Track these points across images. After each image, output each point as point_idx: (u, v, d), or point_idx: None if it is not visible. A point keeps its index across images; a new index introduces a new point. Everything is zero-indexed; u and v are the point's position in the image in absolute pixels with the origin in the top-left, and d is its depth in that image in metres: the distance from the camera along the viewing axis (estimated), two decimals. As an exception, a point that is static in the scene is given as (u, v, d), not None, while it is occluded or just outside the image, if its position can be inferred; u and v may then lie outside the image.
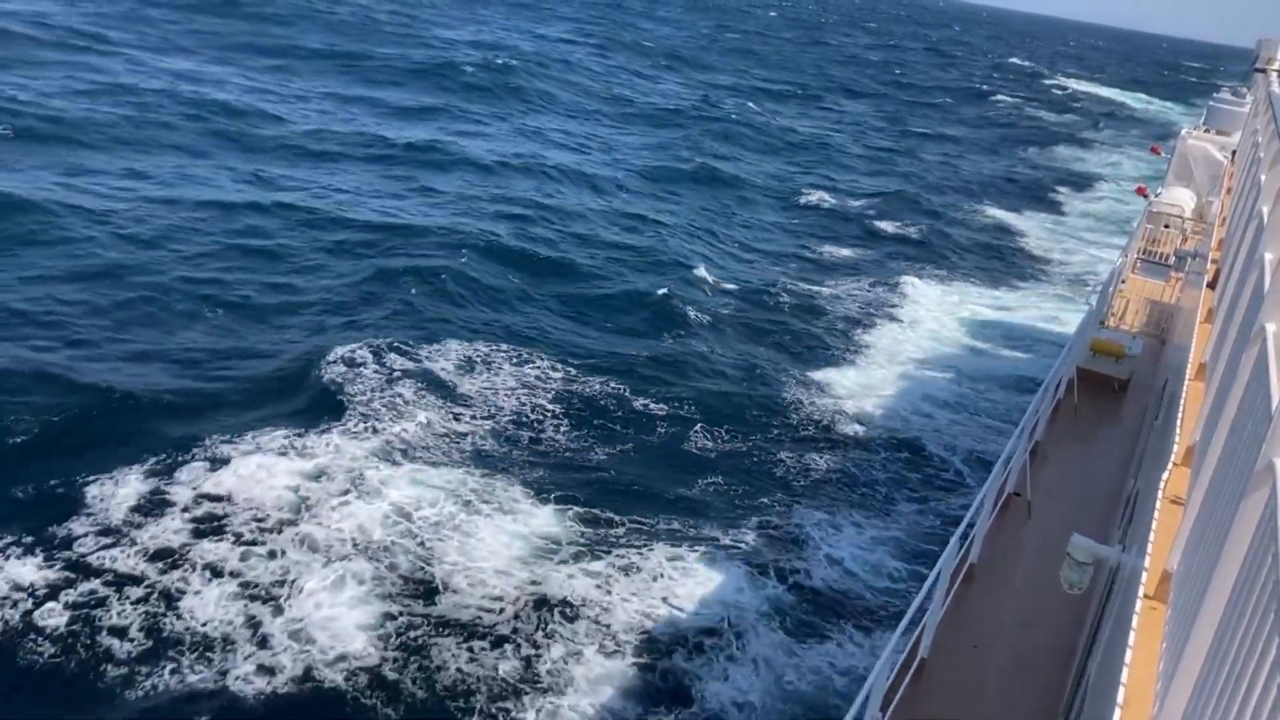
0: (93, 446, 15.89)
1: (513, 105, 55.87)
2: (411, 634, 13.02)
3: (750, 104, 71.72)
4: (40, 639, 12.15)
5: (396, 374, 19.75)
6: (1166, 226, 24.65)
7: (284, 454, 16.22)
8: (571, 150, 46.51)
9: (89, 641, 12.27)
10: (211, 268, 24.74)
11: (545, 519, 15.83)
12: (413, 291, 24.15)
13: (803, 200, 44.10)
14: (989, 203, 51.27)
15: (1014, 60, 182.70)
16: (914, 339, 27.42)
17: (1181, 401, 9.33)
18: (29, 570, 13.24)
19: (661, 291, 27.18)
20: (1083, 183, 62.97)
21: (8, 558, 13.41)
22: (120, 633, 12.49)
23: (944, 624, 9.82)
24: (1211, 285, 14.04)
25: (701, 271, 30.39)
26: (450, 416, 18.49)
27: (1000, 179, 59.45)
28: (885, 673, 7.28)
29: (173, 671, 11.95)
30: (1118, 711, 4.89)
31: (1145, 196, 29.51)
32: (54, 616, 12.50)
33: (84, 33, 51.93)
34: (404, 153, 39.95)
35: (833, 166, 54.21)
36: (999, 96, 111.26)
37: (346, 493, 15.45)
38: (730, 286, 29.82)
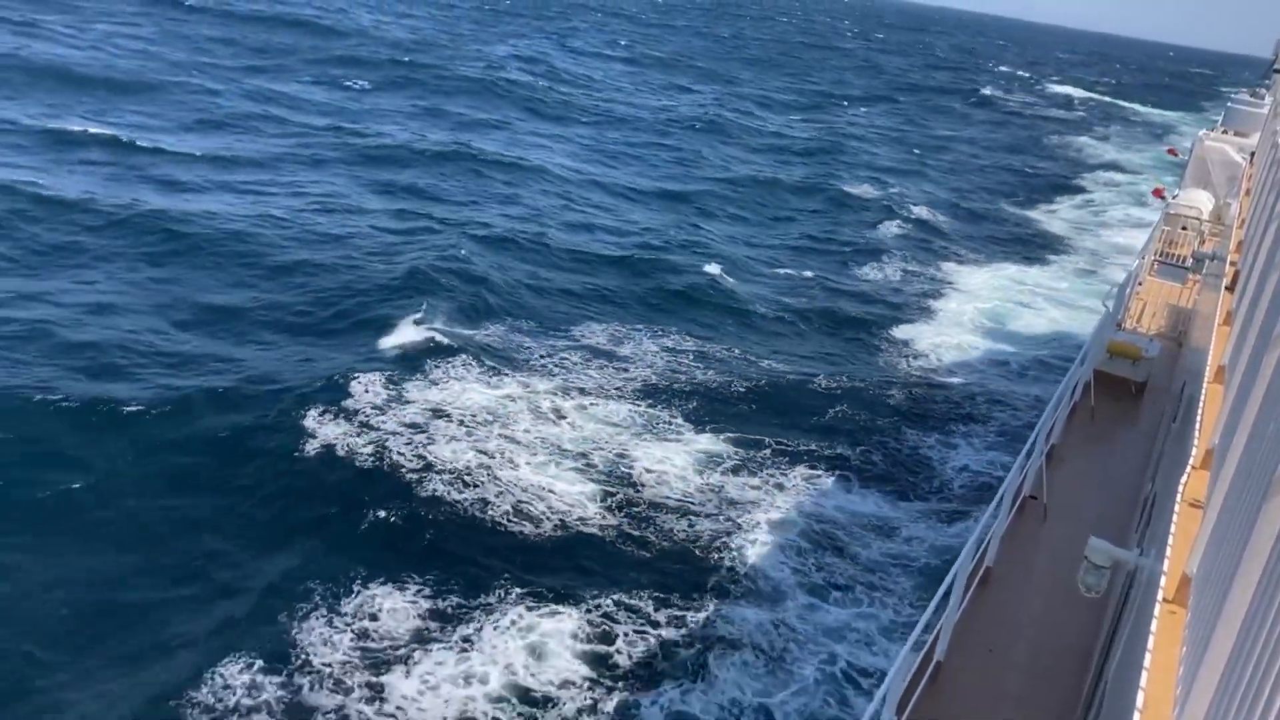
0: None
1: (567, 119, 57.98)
2: (616, 505, 16.88)
3: (778, 113, 75.43)
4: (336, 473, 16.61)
5: (559, 344, 23.92)
6: (1184, 228, 24.44)
7: (485, 384, 20.71)
8: (635, 160, 50.19)
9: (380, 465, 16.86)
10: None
11: (705, 442, 19.60)
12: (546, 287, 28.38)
13: (849, 194, 47.94)
14: (1011, 193, 55.99)
15: (1020, 70, 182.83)
16: (968, 307, 32.31)
17: (1200, 404, 9.25)
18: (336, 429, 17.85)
19: (729, 278, 31.44)
20: (1095, 172, 67.65)
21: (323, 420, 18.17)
22: (397, 466, 16.96)
23: (960, 627, 9.75)
24: (1230, 288, 13.92)
25: (780, 259, 35.57)
26: (612, 371, 22.62)
27: (1019, 173, 63.71)
28: (901, 676, 7.23)
29: (434, 495, 16.29)
30: (1136, 716, 4.83)
31: (1162, 198, 29.24)
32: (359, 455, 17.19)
33: (184, 64, 52.32)
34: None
35: (867, 165, 57.55)
36: (1008, 99, 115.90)
37: (540, 411, 19.80)
38: (807, 274, 34.15)
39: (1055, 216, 50.61)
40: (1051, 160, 71.46)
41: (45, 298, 22.44)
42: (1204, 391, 9.59)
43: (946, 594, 8.55)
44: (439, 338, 22.44)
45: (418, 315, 23.53)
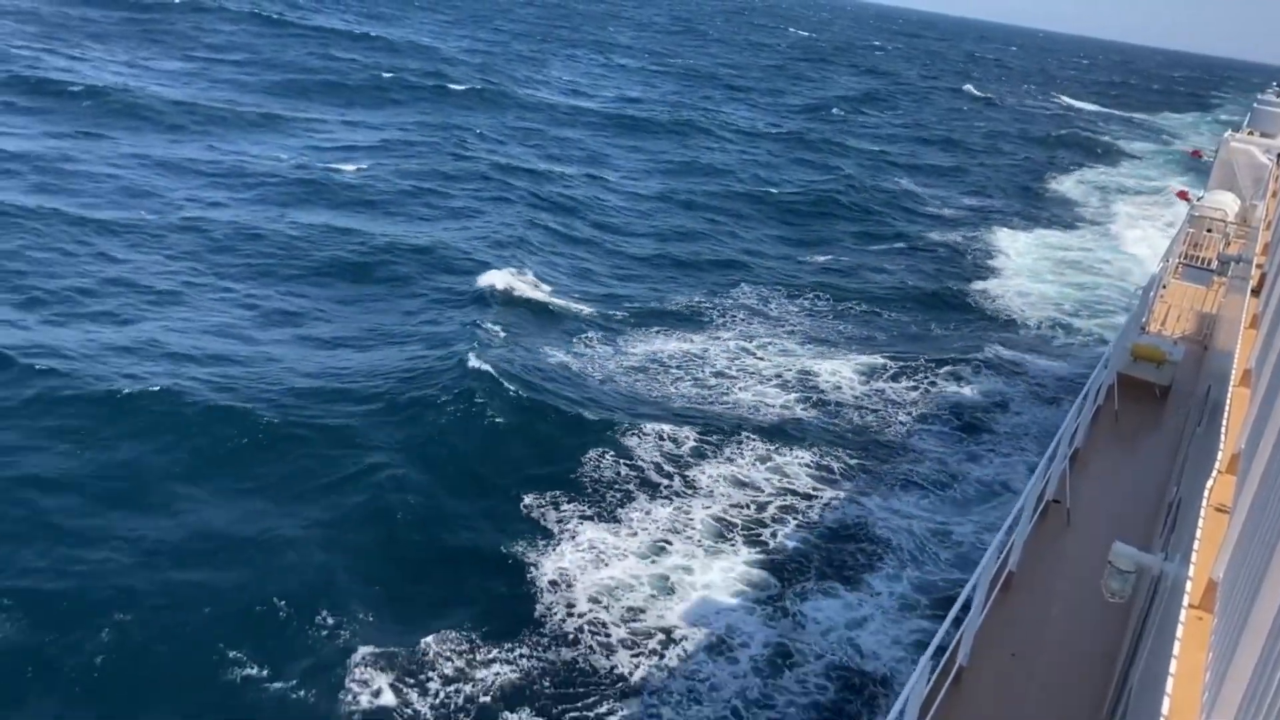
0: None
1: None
2: (813, 403, 22.55)
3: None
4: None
5: (721, 303, 29.46)
6: (1209, 231, 24.16)
7: (682, 340, 25.85)
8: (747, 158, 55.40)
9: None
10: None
11: (870, 359, 25.74)
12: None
13: (906, 177, 55.77)
14: (1040, 172, 64.32)
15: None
16: (1023, 263, 39.41)
17: (1226, 408, 9.18)
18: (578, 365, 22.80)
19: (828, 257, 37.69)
20: (1113, 158, 76.98)
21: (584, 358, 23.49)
22: (641, 392, 21.93)
23: (982, 632, 9.68)
24: (1256, 291, 13.86)
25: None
26: (771, 323, 28.09)
27: (1045, 159, 71.84)
28: (923, 680, 7.18)
29: (685, 409, 21.01)
30: None
31: (1187, 200, 29.22)
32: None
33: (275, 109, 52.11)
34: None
35: (910, 155, 64.34)
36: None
37: (731, 352, 25.25)
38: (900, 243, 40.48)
39: (1078, 183, 61.39)
40: (1071, 147, 78.93)
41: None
42: (1230, 395, 9.50)
43: (969, 599, 8.49)
44: (641, 311, 27.74)
45: (640, 305, 28.48)
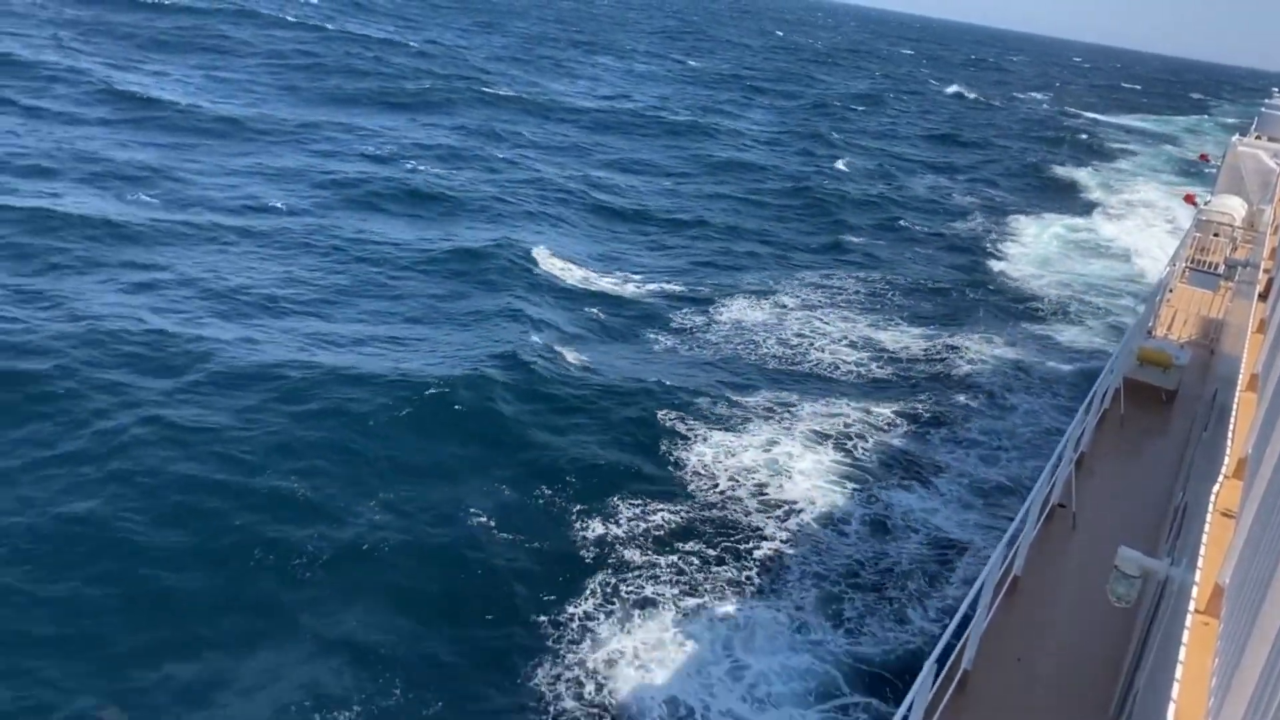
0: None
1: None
2: (879, 361, 26.41)
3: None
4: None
5: (777, 283, 32.90)
6: (1216, 235, 24.09)
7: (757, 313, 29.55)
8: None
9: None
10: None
11: (915, 330, 29.58)
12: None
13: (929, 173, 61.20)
14: (1043, 165, 69.47)
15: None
16: (1035, 241, 44.93)
17: (1233, 413, 9.19)
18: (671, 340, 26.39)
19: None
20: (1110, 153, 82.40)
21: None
22: (736, 351, 25.96)
23: (987, 636, 9.63)
24: (1264, 295, 13.76)
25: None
26: (824, 298, 31.82)
27: (1048, 154, 76.58)
28: (928, 684, 7.17)
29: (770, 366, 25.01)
30: None
31: (1194, 204, 28.78)
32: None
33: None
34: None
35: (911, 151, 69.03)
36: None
37: (801, 319, 29.21)
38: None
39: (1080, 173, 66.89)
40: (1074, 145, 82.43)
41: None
42: (1236, 400, 9.52)
43: (974, 603, 8.51)
44: (715, 292, 30.98)
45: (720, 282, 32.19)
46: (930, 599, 15.50)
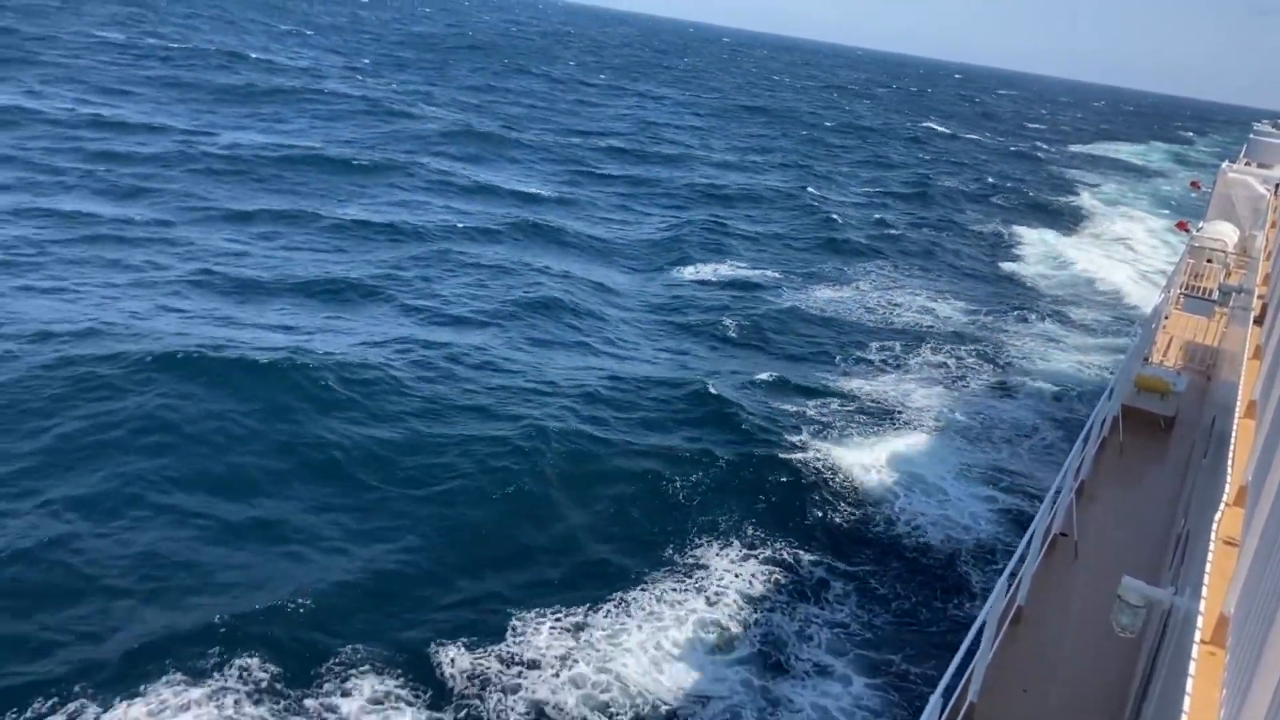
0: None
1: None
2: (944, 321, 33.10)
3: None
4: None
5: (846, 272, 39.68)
6: (1209, 261, 24.17)
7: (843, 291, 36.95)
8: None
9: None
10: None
11: (961, 304, 35.90)
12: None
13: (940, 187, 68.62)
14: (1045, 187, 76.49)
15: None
16: (1044, 247, 51.09)
17: (1232, 440, 9.15)
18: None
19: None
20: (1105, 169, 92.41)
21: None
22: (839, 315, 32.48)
23: (993, 668, 9.48)
24: (1259, 320, 13.74)
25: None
26: (884, 281, 38.47)
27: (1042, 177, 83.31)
28: (934, 717, 7.04)
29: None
30: None
31: (1186, 231, 28.85)
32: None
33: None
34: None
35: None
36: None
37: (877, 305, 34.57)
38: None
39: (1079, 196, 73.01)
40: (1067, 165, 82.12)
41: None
42: (1235, 427, 9.46)
43: (978, 634, 8.33)
44: (803, 280, 36.68)
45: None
46: (931, 630, 15.45)
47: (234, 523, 15.28)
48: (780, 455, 20.08)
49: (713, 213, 47.43)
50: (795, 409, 23.14)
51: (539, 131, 66.87)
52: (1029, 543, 10.09)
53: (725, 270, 37.04)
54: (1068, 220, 61.39)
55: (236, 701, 11.59)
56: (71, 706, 11.19)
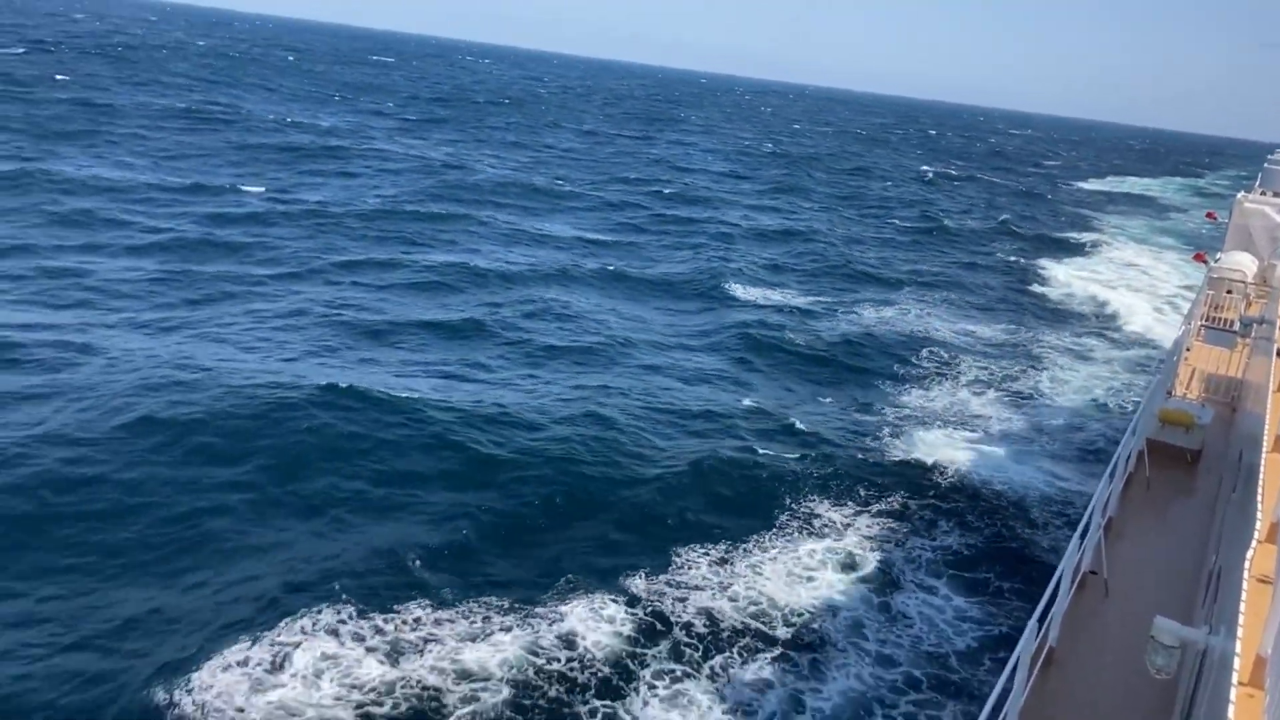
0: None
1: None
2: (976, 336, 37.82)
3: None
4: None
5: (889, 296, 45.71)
6: (1229, 292, 24.08)
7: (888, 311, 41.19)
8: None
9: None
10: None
11: (991, 324, 40.16)
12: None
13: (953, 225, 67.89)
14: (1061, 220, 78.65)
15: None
16: (1069, 275, 54.51)
17: (1261, 474, 9.08)
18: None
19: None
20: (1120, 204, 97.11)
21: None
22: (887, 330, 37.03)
23: (1026, 710, 9.21)
24: None
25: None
26: (920, 303, 43.47)
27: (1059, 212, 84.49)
28: None
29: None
30: None
31: (1204, 262, 28.81)
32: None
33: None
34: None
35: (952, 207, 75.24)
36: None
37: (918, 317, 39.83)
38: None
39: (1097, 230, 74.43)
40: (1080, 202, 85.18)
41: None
42: (1264, 461, 9.45)
43: (1010, 676, 8.30)
44: (848, 303, 41.14)
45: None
46: (1009, 567, 18.67)
47: (462, 510, 18.66)
48: (867, 444, 23.99)
49: (755, 249, 51.38)
50: (873, 410, 27.03)
51: (587, 182, 70.59)
52: (1058, 582, 9.97)
53: (776, 297, 40.77)
54: (1084, 252, 63.96)
55: (497, 610, 15.44)
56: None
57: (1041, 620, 9.47)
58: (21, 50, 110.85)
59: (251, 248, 38.61)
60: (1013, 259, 58.42)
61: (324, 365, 25.94)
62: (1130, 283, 53.72)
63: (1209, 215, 62.86)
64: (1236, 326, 21.36)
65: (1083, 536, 11.09)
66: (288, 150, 66.74)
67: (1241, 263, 25.66)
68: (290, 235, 41.65)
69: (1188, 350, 21.86)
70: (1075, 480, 23.07)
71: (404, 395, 23.31)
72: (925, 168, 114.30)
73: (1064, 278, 53.70)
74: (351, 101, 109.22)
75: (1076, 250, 64.71)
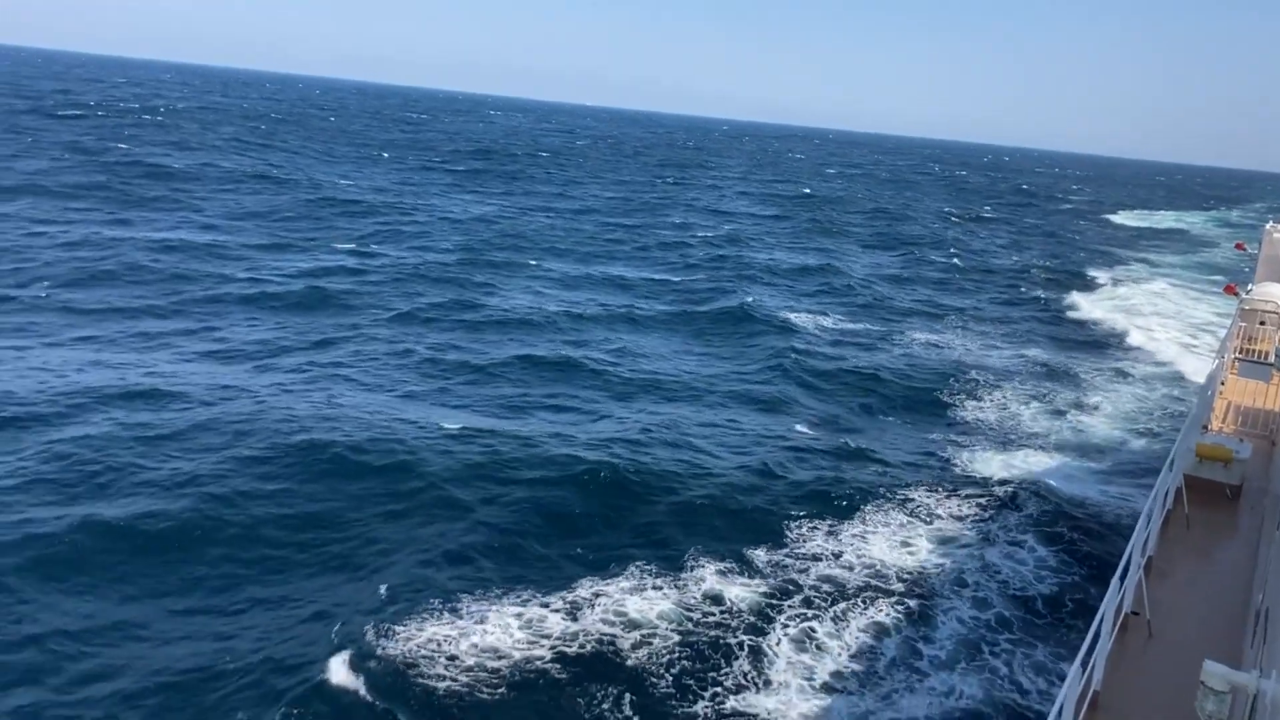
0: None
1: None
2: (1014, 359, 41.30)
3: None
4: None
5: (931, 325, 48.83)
6: (1262, 323, 23.91)
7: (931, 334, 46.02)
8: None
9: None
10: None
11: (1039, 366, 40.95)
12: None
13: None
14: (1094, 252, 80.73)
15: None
16: (1099, 307, 56.34)
17: None
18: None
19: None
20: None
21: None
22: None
23: None
24: None
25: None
26: (960, 332, 47.09)
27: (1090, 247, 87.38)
28: None
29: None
30: None
31: (1235, 294, 28.82)
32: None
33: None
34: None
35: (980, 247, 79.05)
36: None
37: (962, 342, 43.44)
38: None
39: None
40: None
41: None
42: None
43: None
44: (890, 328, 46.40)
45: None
46: (1082, 537, 21.56)
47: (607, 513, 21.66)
48: (931, 451, 27.38)
49: (800, 284, 55.28)
50: (928, 425, 30.27)
51: (633, 227, 74.17)
52: (1100, 624, 9.84)
53: (830, 324, 44.65)
54: (1113, 285, 65.75)
55: (650, 577, 18.70)
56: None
57: (1085, 663, 9.25)
58: (77, 113, 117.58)
59: (348, 296, 42.06)
60: (1044, 293, 60.67)
61: (442, 394, 29.48)
62: (1160, 312, 55.60)
63: (1238, 246, 63.75)
64: (1271, 358, 21.37)
65: (1123, 577, 10.87)
66: (352, 205, 70.71)
67: (1273, 294, 25.54)
68: (379, 284, 45.16)
69: (1222, 384, 21.46)
70: (1123, 489, 25.62)
71: (525, 430, 26.28)
72: (950, 208, 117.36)
73: (1095, 310, 55.17)
74: (400, 160, 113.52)
75: (1107, 283, 66.85)
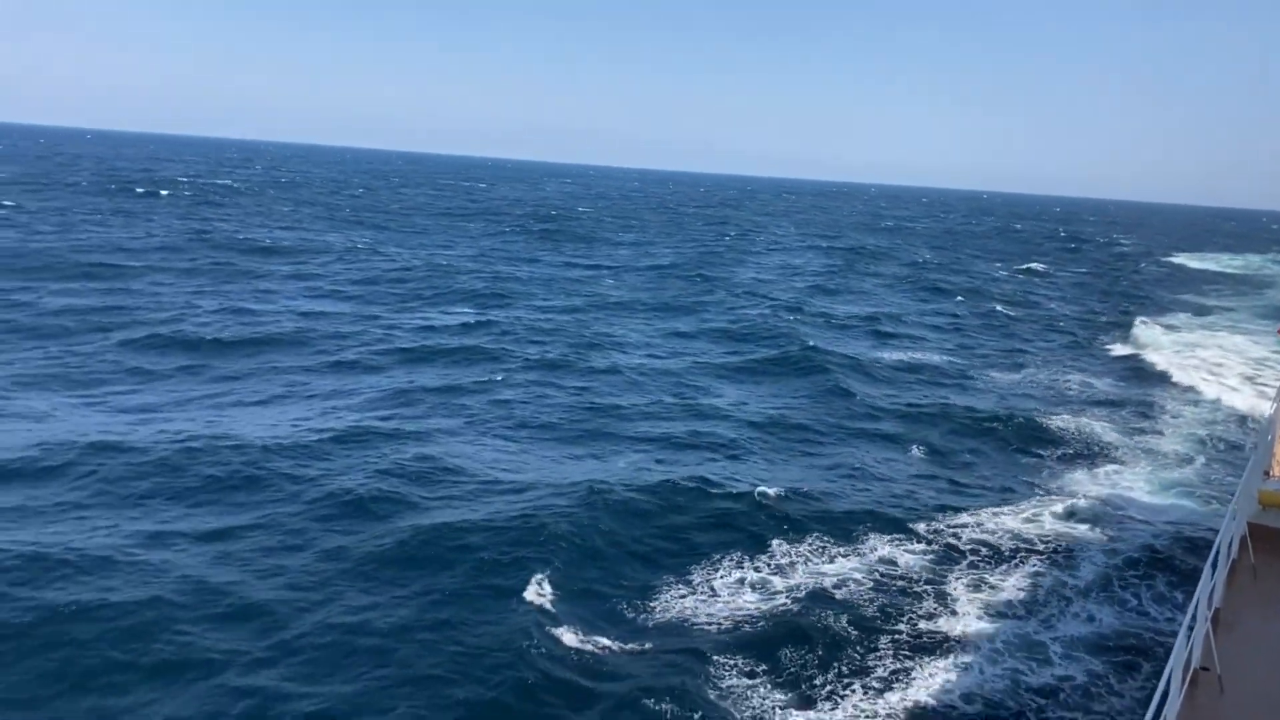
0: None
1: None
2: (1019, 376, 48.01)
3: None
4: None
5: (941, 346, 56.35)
6: None
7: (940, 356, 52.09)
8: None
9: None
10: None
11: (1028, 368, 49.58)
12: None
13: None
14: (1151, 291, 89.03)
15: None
16: (1166, 340, 60.52)
17: None
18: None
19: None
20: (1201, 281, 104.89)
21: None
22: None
23: None
24: None
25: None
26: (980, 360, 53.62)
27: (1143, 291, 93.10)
28: None
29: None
30: None
31: None
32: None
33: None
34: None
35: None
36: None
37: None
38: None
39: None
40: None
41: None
42: None
43: None
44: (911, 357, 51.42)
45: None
46: (1163, 538, 25.42)
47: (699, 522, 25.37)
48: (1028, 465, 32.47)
49: (885, 328, 60.29)
50: (1028, 442, 34.64)
51: (711, 286, 77.04)
52: (1169, 680, 9.58)
53: (903, 357, 50.66)
54: (1176, 329, 66.70)
55: (831, 546, 23.73)
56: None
57: None
58: (166, 193, 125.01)
59: (478, 353, 45.58)
60: (1107, 339, 61.86)
61: (597, 442, 32.69)
62: (1223, 352, 56.59)
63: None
64: None
65: (1190, 631, 10.62)
66: (447, 272, 75.19)
67: None
68: (501, 341, 48.62)
69: None
70: (1194, 503, 28.89)
71: (676, 478, 28.91)
72: (999, 263, 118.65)
73: (1158, 356, 54.73)
74: (476, 230, 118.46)
75: (1169, 326, 68.09)
